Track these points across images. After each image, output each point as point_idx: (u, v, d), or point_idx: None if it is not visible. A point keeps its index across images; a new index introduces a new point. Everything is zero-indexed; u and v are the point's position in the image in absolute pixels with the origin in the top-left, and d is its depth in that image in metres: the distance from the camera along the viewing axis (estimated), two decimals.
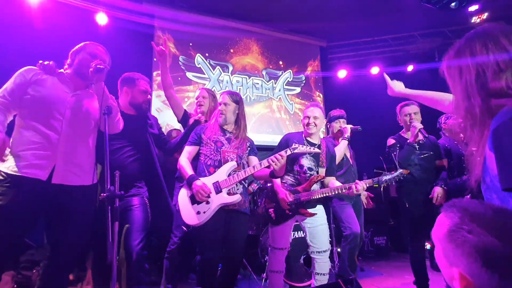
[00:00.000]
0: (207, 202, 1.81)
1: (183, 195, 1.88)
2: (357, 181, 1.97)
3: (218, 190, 1.83)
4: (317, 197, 2.03)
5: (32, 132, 1.47)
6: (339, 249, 3.15)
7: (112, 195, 1.19)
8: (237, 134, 2.00)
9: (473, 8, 3.89)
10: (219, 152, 1.93)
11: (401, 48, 5.46)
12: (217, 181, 1.85)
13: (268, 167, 1.85)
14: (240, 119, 2.03)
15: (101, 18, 3.84)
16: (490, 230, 0.55)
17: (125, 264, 1.66)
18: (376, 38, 5.36)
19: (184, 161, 1.92)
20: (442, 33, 5.10)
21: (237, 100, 2.04)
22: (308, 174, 2.12)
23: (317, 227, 2.11)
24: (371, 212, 3.76)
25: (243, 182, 1.92)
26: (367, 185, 1.97)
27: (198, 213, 1.81)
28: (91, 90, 1.69)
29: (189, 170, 1.87)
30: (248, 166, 2.00)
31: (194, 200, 1.83)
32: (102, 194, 1.19)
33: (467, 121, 0.77)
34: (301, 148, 1.87)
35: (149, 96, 2.04)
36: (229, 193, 1.86)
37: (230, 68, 4.76)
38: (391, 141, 2.56)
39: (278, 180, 2.11)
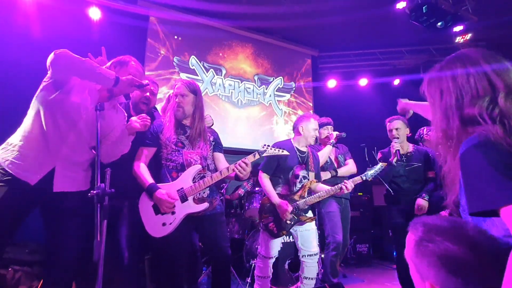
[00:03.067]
0: (173, 213, 1.66)
1: (145, 205, 1.71)
2: (345, 181, 2.09)
3: (183, 198, 1.69)
4: (315, 201, 2.11)
5: (40, 134, 1.40)
6: (322, 255, 3.19)
7: (103, 193, 1.17)
8: (196, 128, 1.81)
9: (457, 28, 4.10)
10: (180, 154, 1.75)
11: (389, 62, 5.66)
12: (182, 188, 1.69)
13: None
14: (197, 111, 1.83)
15: (94, 13, 3.77)
16: (447, 237, 0.59)
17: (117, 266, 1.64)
18: (366, 51, 5.54)
19: (141, 166, 1.71)
20: (427, 51, 5.34)
21: (195, 90, 1.84)
22: (303, 182, 2.19)
23: (309, 230, 2.17)
24: (354, 220, 3.83)
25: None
26: (356, 182, 2.14)
27: (164, 224, 1.65)
28: (113, 102, 1.64)
29: (148, 177, 1.68)
30: (214, 163, 1.88)
31: (158, 209, 1.67)
32: (91, 192, 1.17)
33: (444, 142, 0.79)
34: (270, 151, 1.81)
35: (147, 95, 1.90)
36: (195, 199, 1.72)
37: (223, 72, 4.78)
38: (379, 155, 2.64)
39: (273, 193, 2.12)
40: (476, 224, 0.63)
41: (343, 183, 2.10)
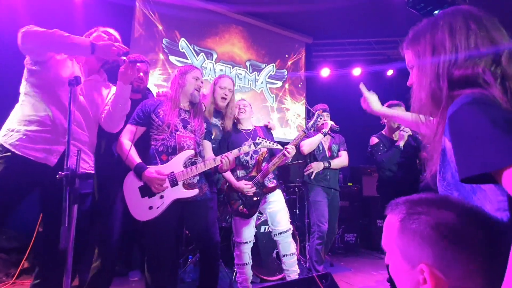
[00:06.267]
0: (161, 197, 1.59)
1: (131, 186, 1.62)
2: (286, 146, 2.10)
3: (173, 182, 1.62)
4: (271, 170, 2.14)
5: (43, 112, 1.35)
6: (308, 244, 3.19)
7: (72, 175, 1.06)
8: (195, 113, 1.80)
9: None
10: (173, 137, 1.68)
11: (383, 52, 5.59)
12: (173, 172, 1.63)
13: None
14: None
15: None
16: (438, 206, 0.52)
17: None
18: (360, 40, 5.44)
19: (128, 144, 1.64)
20: None
21: None
22: (256, 157, 2.22)
23: (277, 211, 2.19)
24: (343, 210, 3.83)
25: None
26: (296, 142, 2.15)
27: (151, 208, 1.58)
28: (102, 75, 1.63)
29: (136, 157, 1.62)
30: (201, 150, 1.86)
31: (144, 192, 1.60)
32: (60, 173, 1.06)
33: (430, 106, 0.70)
34: (265, 144, 1.87)
35: (140, 74, 1.90)
36: (185, 184, 1.66)
37: (214, 56, 4.61)
38: (374, 140, 2.54)
39: (231, 178, 2.14)
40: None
41: (284, 148, 2.08)
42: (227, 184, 2.19)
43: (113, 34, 1.57)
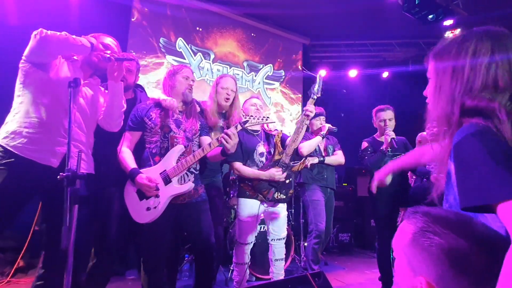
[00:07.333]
0: (157, 196, 1.62)
1: (130, 191, 1.68)
2: (304, 108, 2.08)
3: (167, 180, 1.65)
4: (295, 147, 2.07)
5: (46, 114, 1.37)
6: (305, 244, 3.23)
7: (73, 175, 1.08)
8: (188, 113, 1.82)
9: (448, 22, 4.10)
10: (166, 138, 1.72)
11: (379, 54, 5.66)
12: (165, 170, 1.66)
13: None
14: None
15: None
16: (455, 231, 0.54)
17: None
18: (357, 42, 5.49)
19: (126, 151, 1.69)
20: (417, 44, 5.36)
21: None
22: (274, 141, 2.17)
23: (281, 218, 2.21)
24: (338, 210, 3.89)
25: (193, 170, 1.76)
26: (311, 104, 2.08)
27: (148, 209, 1.62)
28: (96, 80, 1.65)
29: (130, 162, 1.66)
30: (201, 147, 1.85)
31: (141, 195, 1.64)
32: (61, 174, 1.08)
33: (442, 127, 0.72)
34: (253, 121, 1.74)
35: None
36: (179, 181, 1.69)
37: (212, 56, 4.63)
38: (364, 144, 2.61)
39: (256, 171, 2.08)
40: (482, 221, 0.58)
41: (304, 110, 2.05)
42: (237, 176, 2.14)
43: (111, 45, 1.59)
